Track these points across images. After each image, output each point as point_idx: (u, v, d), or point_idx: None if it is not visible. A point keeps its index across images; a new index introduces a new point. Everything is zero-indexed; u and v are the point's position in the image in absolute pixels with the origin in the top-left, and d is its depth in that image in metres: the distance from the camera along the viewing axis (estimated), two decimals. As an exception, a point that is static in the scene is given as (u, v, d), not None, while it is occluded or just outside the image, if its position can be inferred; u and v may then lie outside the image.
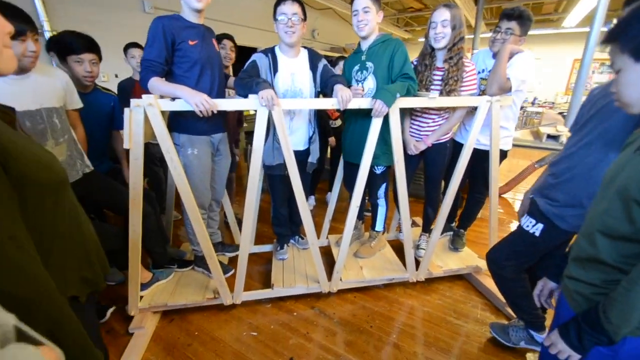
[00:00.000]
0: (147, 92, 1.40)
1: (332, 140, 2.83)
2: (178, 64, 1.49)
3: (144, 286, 1.73)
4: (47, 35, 2.80)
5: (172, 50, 1.45)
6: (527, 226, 1.25)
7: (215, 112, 1.41)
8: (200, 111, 1.38)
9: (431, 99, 1.54)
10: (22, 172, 0.58)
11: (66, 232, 0.71)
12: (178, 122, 1.60)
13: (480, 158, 1.81)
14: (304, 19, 1.61)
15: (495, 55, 1.70)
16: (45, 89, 1.34)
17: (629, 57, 0.64)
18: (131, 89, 2.19)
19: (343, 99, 1.43)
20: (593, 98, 1.11)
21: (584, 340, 0.69)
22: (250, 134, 1.93)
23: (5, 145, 0.55)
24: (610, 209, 0.68)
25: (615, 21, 0.69)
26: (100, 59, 1.70)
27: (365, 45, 1.70)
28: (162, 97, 1.41)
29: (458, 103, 1.66)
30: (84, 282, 0.74)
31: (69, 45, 1.59)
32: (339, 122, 2.83)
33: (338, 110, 2.50)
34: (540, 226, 1.20)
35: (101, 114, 1.79)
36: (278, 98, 1.40)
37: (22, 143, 0.63)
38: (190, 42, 1.46)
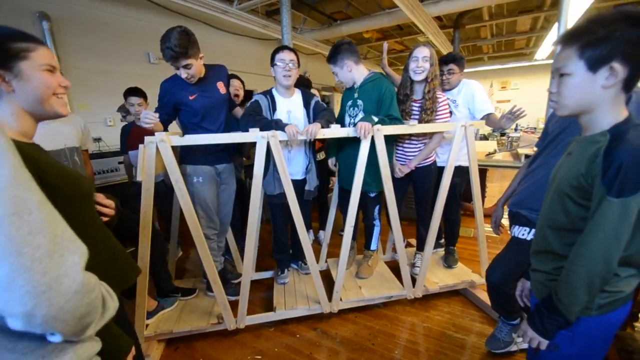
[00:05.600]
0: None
1: None
2: (184, 114, 1.78)
3: (150, 314, 1.76)
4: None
5: (178, 107, 1.74)
6: (523, 235, 1.36)
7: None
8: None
9: (411, 126, 1.73)
10: (52, 183, 0.69)
11: (96, 236, 0.82)
12: (186, 154, 1.80)
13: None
14: (299, 65, 1.85)
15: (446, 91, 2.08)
16: (68, 130, 1.55)
17: (584, 65, 0.68)
18: (129, 131, 2.59)
19: (308, 131, 1.62)
20: (555, 116, 1.30)
21: (546, 323, 0.77)
22: (249, 168, 2.08)
23: (37, 159, 0.68)
24: (551, 205, 0.81)
25: (575, 23, 0.71)
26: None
27: (357, 83, 1.88)
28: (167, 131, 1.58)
29: (436, 129, 1.85)
30: (114, 280, 0.84)
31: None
32: (322, 155, 2.75)
33: (321, 141, 2.62)
34: (534, 231, 1.30)
35: None
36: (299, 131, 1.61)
37: (51, 161, 0.75)
38: (190, 97, 1.72)
